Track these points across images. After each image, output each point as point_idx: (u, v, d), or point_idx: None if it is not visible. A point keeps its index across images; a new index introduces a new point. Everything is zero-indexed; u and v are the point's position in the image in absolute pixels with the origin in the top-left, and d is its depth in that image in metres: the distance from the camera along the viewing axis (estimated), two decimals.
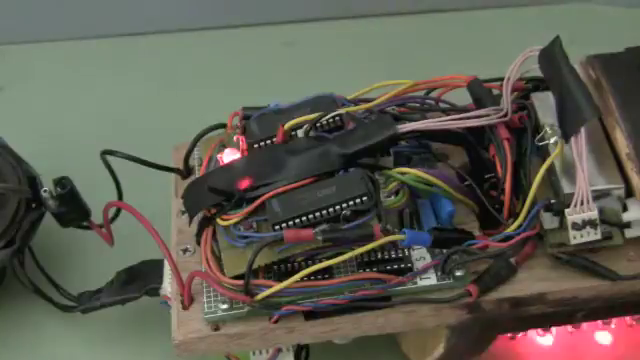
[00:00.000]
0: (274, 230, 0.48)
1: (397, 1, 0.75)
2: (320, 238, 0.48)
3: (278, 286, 0.48)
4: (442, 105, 0.55)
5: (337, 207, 0.48)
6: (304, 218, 0.48)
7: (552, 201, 0.50)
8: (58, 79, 0.74)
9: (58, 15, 0.77)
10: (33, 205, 0.58)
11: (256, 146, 0.53)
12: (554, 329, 0.56)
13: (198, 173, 0.55)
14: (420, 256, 0.50)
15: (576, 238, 0.49)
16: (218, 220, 0.50)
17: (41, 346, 0.58)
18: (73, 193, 0.57)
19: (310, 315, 0.49)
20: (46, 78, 0.74)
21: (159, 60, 0.75)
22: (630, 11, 0.73)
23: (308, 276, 0.48)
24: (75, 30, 0.77)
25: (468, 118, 0.52)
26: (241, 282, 0.48)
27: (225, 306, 0.49)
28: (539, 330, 0.56)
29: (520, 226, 0.50)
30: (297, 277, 0.48)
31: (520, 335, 0.56)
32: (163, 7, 0.76)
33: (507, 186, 0.51)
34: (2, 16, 0.78)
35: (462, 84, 0.54)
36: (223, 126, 0.56)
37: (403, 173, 0.50)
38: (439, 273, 0.49)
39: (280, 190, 0.49)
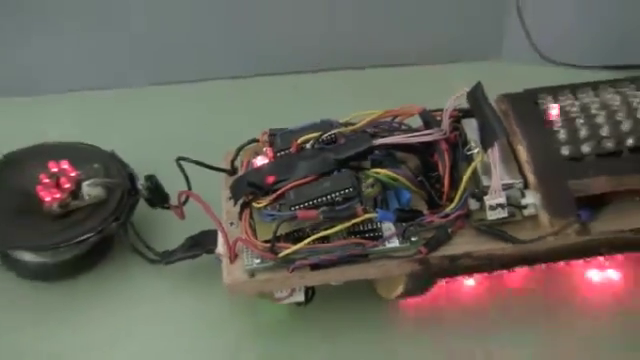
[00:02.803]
0: (290, 210, 0.49)
1: (372, 56, 0.75)
2: (321, 216, 0.48)
3: (293, 248, 0.48)
4: (403, 127, 0.55)
5: (333, 195, 0.48)
6: (310, 202, 0.49)
7: (476, 191, 0.50)
8: (150, 118, 0.72)
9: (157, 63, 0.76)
10: (132, 193, 0.58)
11: (279, 154, 0.53)
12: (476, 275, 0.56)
13: (240, 172, 0.55)
14: (388, 228, 0.50)
15: (491, 215, 0.50)
16: (253, 204, 0.51)
17: (138, 287, 0.57)
18: (157, 185, 0.57)
19: (315, 267, 0.49)
20: (136, 119, 0.73)
21: (219, 101, 0.74)
22: (529, 67, 0.73)
23: (313, 241, 0.48)
24: (164, 77, 0.75)
25: (420, 135, 0.52)
26: (268, 245, 0.48)
27: (258, 261, 0.49)
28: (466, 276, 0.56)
29: (455, 208, 0.50)
30: (306, 242, 0.48)
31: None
32: (214, 60, 0.75)
33: (446, 181, 0.51)
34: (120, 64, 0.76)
35: (416, 113, 0.54)
36: (256, 141, 0.56)
37: (377, 172, 0.50)
38: (400, 239, 0.49)
39: (294, 184, 0.50)
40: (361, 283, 0.52)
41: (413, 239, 0.49)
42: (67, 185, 0.58)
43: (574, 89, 0.55)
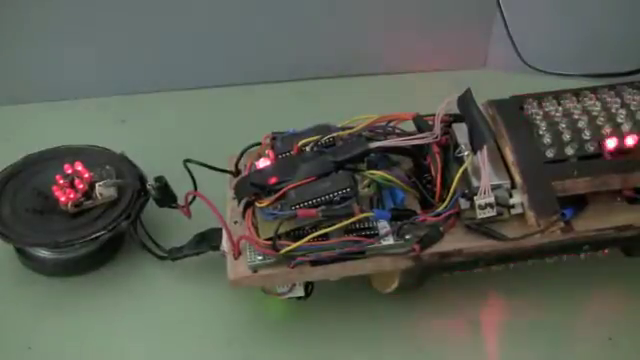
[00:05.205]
0: (291, 209, 0.48)
1: (369, 65, 0.75)
2: (320, 215, 0.47)
3: (294, 245, 0.47)
4: (397, 131, 0.54)
5: (331, 195, 0.48)
6: (310, 202, 0.48)
7: (466, 191, 0.49)
8: (159, 123, 0.71)
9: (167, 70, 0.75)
10: (142, 193, 0.58)
11: (280, 156, 0.52)
12: None
13: (244, 173, 0.55)
14: (383, 226, 0.49)
15: (481, 214, 0.49)
16: (256, 203, 0.50)
17: (147, 282, 0.57)
18: (166, 185, 0.56)
19: (314, 263, 0.48)
20: (145, 124, 0.72)
21: (224, 106, 0.73)
22: (515, 75, 0.73)
23: (313, 239, 0.48)
24: (172, 83, 0.75)
25: (413, 139, 0.51)
26: (270, 242, 0.48)
27: (260, 257, 0.48)
28: None
29: (446, 207, 0.49)
30: (306, 239, 0.48)
31: None
32: (219, 68, 0.75)
33: (438, 182, 0.51)
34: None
35: (409, 118, 0.54)
36: (259, 144, 0.56)
37: (373, 173, 0.49)
38: (395, 236, 0.49)
39: (295, 184, 0.49)
40: (358, 278, 0.51)
41: (407, 237, 0.49)
42: (81, 186, 0.57)
43: (557, 96, 0.55)
